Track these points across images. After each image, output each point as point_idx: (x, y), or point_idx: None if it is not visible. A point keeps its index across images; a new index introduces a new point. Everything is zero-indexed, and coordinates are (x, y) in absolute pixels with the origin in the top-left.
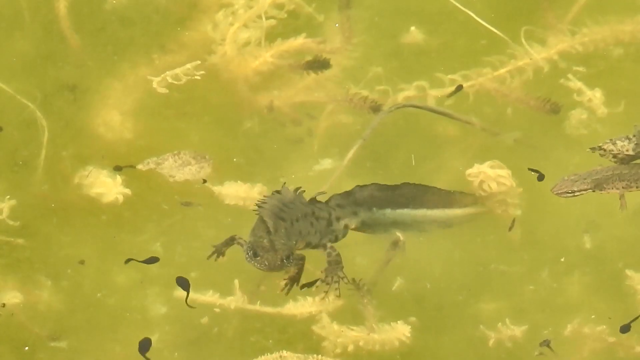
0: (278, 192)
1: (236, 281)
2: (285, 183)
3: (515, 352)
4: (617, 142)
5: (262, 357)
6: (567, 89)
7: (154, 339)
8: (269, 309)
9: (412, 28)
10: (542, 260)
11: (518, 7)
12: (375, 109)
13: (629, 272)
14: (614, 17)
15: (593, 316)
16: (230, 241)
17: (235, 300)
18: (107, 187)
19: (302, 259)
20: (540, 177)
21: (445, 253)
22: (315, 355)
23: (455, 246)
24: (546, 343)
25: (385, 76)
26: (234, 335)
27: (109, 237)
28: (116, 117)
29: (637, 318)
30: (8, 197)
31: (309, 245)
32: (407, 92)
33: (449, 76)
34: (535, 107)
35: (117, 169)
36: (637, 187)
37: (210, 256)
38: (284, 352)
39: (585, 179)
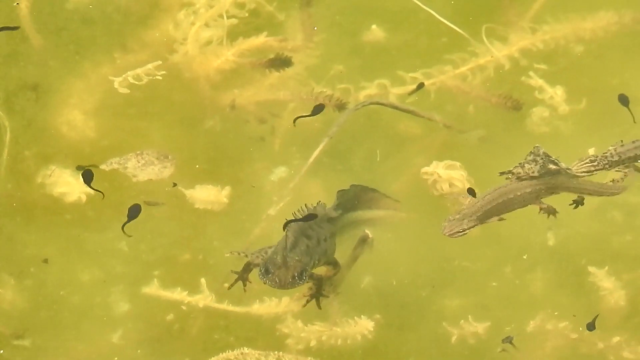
0: (314, 208)
1: (203, 280)
2: (320, 201)
3: (477, 348)
4: (525, 165)
5: (224, 354)
6: (528, 86)
7: (117, 336)
8: (235, 308)
9: (373, 26)
10: (505, 257)
11: (479, 4)
12: (341, 107)
13: (591, 268)
14: (574, 15)
15: (556, 312)
16: (247, 266)
17: (204, 299)
18: (70, 186)
19: (320, 279)
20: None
21: (410, 249)
22: (275, 352)
23: (420, 242)
24: (509, 339)
25: (346, 74)
26: (197, 332)
27: (72, 236)
28: (78, 116)
29: (597, 316)
30: None
31: (327, 263)
32: (369, 90)
33: (410, 74)
34: (496, 104)
35: (80, 168)
36: (507, 212)
37: (232, 285)
38: (245, 349)
39: (470, 216)
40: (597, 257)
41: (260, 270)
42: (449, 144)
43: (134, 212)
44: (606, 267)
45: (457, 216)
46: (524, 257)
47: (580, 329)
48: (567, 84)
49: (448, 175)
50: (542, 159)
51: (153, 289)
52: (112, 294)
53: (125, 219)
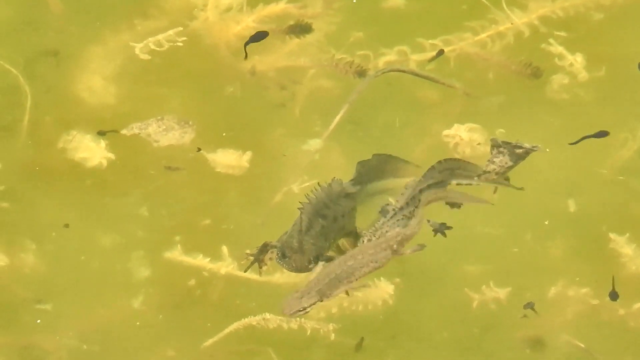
0: (329, 185)
1: (224, 247)
2: (335, 177)
3: (498, 314)
4: (495, 159)
5: (246, 319)
6: (548, 53)
7: (138, 301)
8: (256, 277)
9: None
10: (526, 223)
11: None
12: (361, 73)
13: (612, 235)
14: None
15: (577, 279)
16: (264, 247)
17: (225, 266)
18: (91, 151)
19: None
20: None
21: (431, 215)
22: (297, 318)
23: (441, 208)
24: (530, 305)
25: (366, 41)
26: (219, 298)
27: (93, 201)
28: (99, 82)
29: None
30: None
31: (345, 235)
32: (389, 57)
33: (430, 41)
34: (516, 71)
35: (101, 133)
36: (356, 279)
37: (249, 267)
38: (267, 314)
39: (309, 292)
40: (618, 224)
41: (277, 254)
42: (468, 110)
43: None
44: (627, 234)
45: (296, 294)
46: (545, 223)
47: (588, 289)
48: (587, 51)
49: (469, 138)
50: (505, 148)
51: (175, 254)
52: (133, 259)
53: (146, 184)
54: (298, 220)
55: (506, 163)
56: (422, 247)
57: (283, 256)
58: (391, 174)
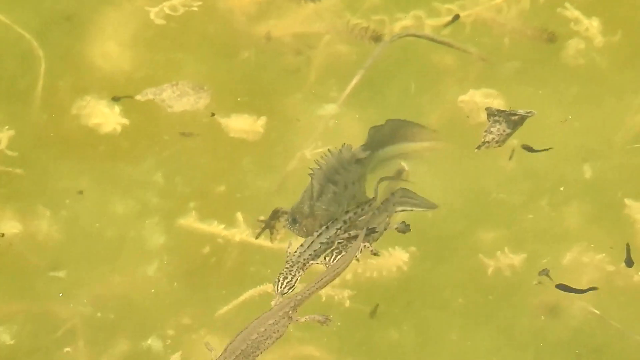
0: (339, 151)
1: (239, 214)
2: (345, 143)
3: (513, 280)
4: (492, 129)
5: (261, 286)
6: (564, 18)
7: (152, 268)
8: (270, 244)
9: None
10: (541, 190)
11: None
12: (377, 39)
13: (627, 201)
14: None
15: (592, 245)
16: (275, 214)
17: (240, 233)
18: (106, 117)
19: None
20: None
21: (446, 182)
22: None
23: (456, 175)
24: (545, 272)
25: (382, 5)
26: (234, 265)
27: (107, 167)
28: (113, 47)
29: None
30: (7, 127)
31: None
32: (404, 22)
33: (446, 5)
34: (532, 36)
35: (115, 99)
36: (261, 352)
37: (260, 233)
38: None
39: None
40: (633, 190)
41: (288, 220)
42: (484, 76)
43: None
44: None
45: None
46: (561, 189)
47: (603, 255)
48: (603, 16)
49: (485, 103)
50: (500, 116)
51: (189, 221)
52: (147, 226)
53: (161, 150)
54: (309, 186)
55: (504, 131)
56: (327, 319)
57: (294, 222)
58: (405, 139)
